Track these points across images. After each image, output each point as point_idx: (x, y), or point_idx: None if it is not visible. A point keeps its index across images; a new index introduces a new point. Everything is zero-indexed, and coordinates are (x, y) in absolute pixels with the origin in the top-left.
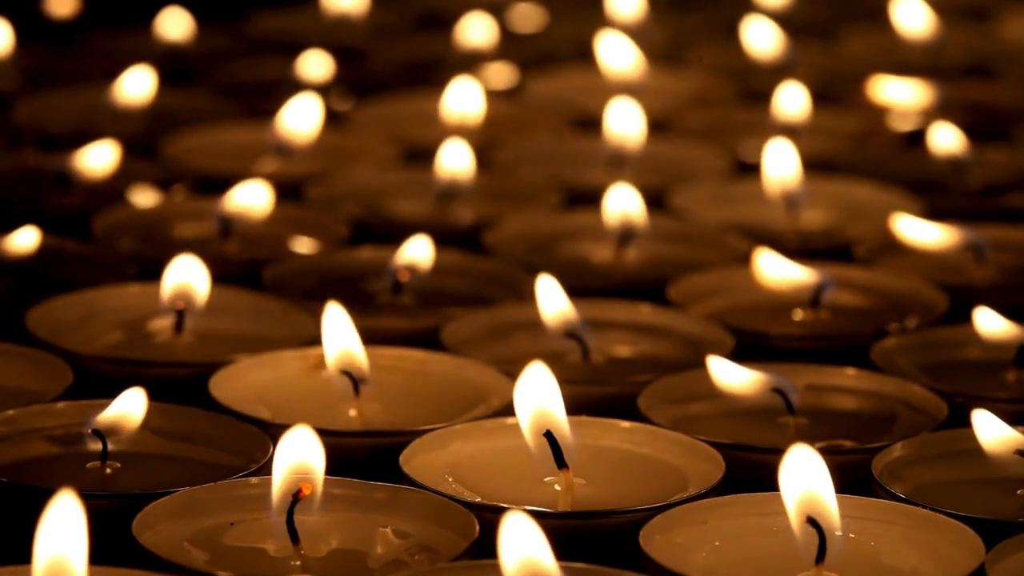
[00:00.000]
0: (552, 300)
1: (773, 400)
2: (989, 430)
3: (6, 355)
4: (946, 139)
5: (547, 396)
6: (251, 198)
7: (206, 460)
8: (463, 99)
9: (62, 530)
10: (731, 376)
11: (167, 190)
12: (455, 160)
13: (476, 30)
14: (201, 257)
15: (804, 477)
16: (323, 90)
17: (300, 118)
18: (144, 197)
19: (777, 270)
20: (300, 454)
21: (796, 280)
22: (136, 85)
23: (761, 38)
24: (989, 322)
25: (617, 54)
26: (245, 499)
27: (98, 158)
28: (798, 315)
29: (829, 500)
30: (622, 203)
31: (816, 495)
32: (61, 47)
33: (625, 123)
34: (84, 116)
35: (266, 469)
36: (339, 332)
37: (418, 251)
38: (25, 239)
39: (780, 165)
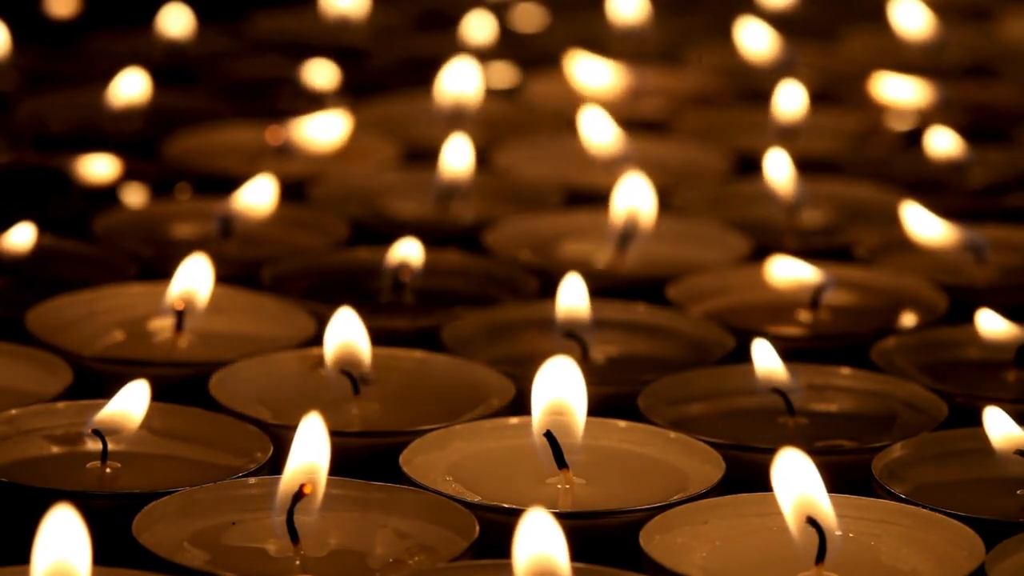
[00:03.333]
0: (570, 299)
1: (773, 400)
2: (999, 429)
3: (6, 355)
4: (943, 142)
5: (567, 391)
6: (254, 197)
7: (206, 460)
8: (461, 83)
9: (64, 537)
10: (769, 361)
11: (167, 190)
12: (456, 159)
13: (477, 30)
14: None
15: (797, 479)
16: (323, 90)
17: (321, 129)
18: (144, 197)
19: (787, 272)
20: (312, 448)
21: (803, 280)
22: (133, 86)
23: (760, 38)
24: (990, 323)
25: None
26: (245, 499)
27: (98, 162)
28: (798, 315)
29: (823, 500)
30: (630, 199)
31: (811, 496)
32: (61, 47)
33: (599, 130)
34: (84, 116)
35: (266, 469)
36: (346, 332)
37: (410, 251)
38: (21, 237)
39: (778, 170)
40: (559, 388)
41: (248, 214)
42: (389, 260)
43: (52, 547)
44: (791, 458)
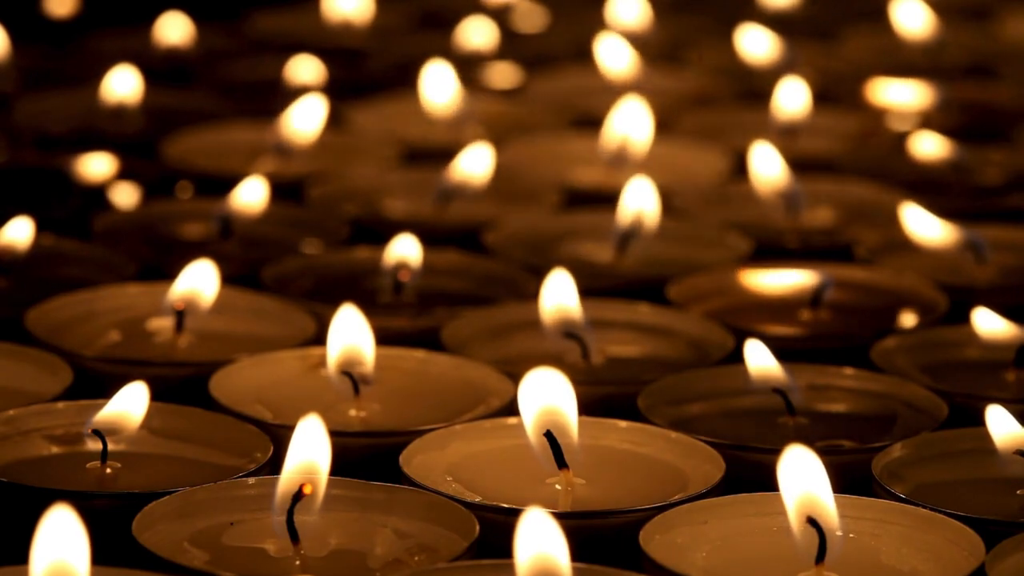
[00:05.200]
0: (558, 297)
1: (773, 400)
2: (1001, 427)
3: (6, 355)
4: (930, 145)
5: (556, 396)
6: (250, 196)
7: (206, 460)
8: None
9: (63, 537)
10: (763, 361)
11: (167, 190)
12: (462, 160)
13: (476, 30)
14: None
15: (802, 477)
16: (322, 90)
17: (304, 119)
18: (144, 197)
19: (775, 278)
20: (311, 448)
21: (793, 283)
22: (132, 85)
23: (760, 39)
24: (988, 322)
25: (616, 55)
26: (245, 499)
27: (97, 162)
28: (798, 315)
29: (827, 500)
30: (637, 201)
31: (815, 495)
32: (61, 47)
33: (631, 123)
34: (84, 116)
35: (266, 469)
36: (349, 332)
37: (407, 250)
38: (18, 232)
39: (768, 167)
40: (546, 396)
41: (247, 213)
42: (386, 259)
43: (51, 547)
44: (797, 455)
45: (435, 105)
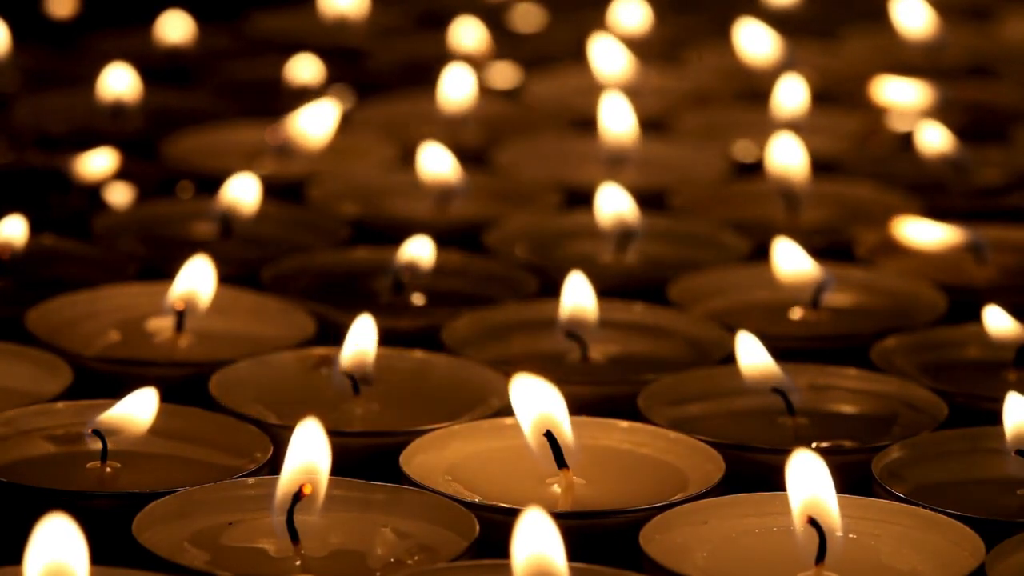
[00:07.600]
0: (575, 298)
1: (773, 400)
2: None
3: (6, 355)
4: (935, 138)
5: (548, 397)
6: (243, 193)
7: (206, 460)
8: (459, 92)
9: (60, 539)
10: (755, 357)
11: (167, 190)
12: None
13: (475, 30)
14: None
15: (808, 480)
16: (322, 90)
17: (313, 122)
18: (144, 197)
19: (792, 263)
20: (310, 450)
21: (807, 274)
22: (131, 85)
23: (760, 38)
24: (997, 320)
25: (610, 57)
26: (245, 499)
27: (97, 161)
28: (798, 315)
29: (831, 503)
30: (614, 204)
31: (818, 498)
32: (61, 47)
33: (618, 121)
34: (84, 116)
35: (266, 469)
36: (363, 340)
37: (419, 250)
38: (13, 230)
39: (786, 159)
40: (537, 400)
41: (240, 210)
42: (399, 259)
43: (47, 551)
44: (805, 460)
45: (449, 103)
